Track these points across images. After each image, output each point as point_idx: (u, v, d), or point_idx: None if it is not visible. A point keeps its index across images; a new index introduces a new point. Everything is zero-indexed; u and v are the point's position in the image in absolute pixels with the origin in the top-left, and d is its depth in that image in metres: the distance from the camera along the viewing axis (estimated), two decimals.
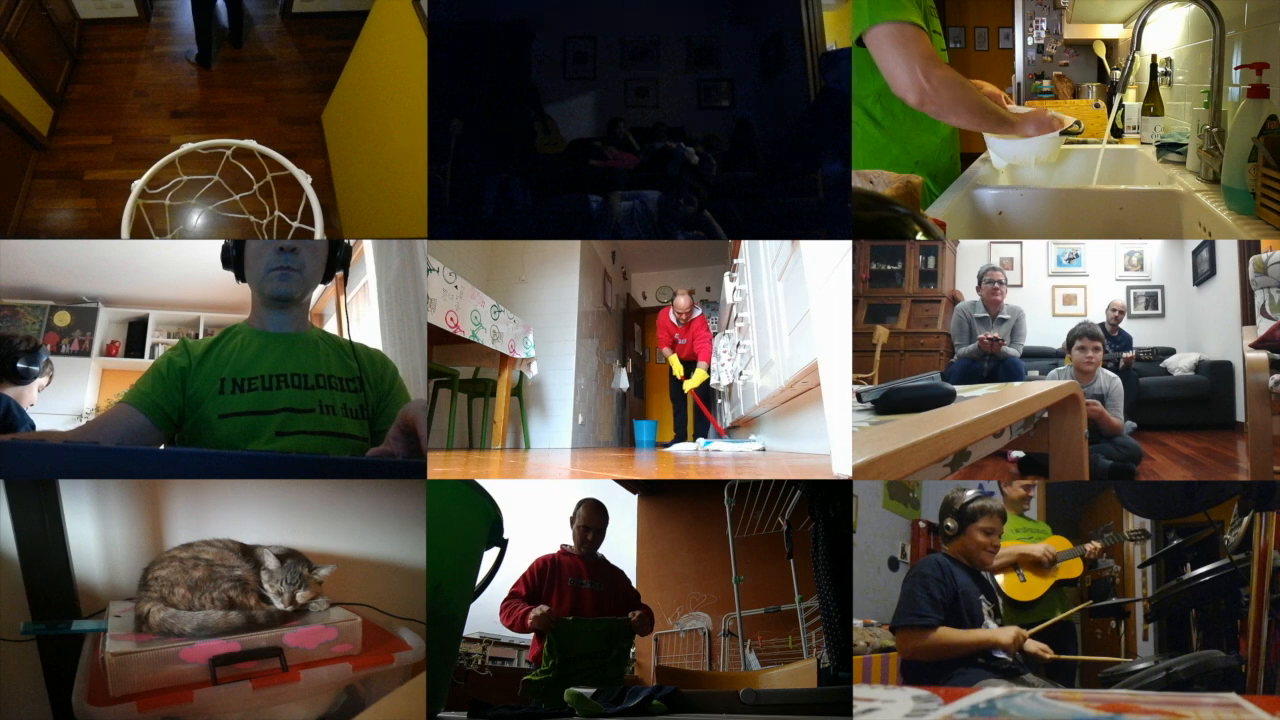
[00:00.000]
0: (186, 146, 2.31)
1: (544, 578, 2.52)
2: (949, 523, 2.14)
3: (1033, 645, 2.07)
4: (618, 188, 2.86)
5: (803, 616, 2.87)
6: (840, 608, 2.03)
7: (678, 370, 6.04)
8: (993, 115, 2.39)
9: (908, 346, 5.28)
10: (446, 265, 3.65)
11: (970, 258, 5.50)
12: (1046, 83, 4.22)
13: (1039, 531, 2.83)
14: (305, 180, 2.30)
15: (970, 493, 2.15)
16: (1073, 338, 3.09)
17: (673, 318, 6.12)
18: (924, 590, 2.01)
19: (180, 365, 1.71)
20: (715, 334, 6.05)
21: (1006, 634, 1.99)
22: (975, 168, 2.68)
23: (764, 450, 4.20)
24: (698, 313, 6.10)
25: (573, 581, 2.54)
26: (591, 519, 2.66)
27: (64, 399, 5.29)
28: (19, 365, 2.77)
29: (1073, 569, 2.72)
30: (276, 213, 2.41)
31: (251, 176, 2.42)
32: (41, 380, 2.91)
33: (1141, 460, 3.01)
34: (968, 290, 4.83)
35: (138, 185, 2.25)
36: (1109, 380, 3.06)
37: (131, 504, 1.78)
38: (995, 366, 3.61)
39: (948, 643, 1.96)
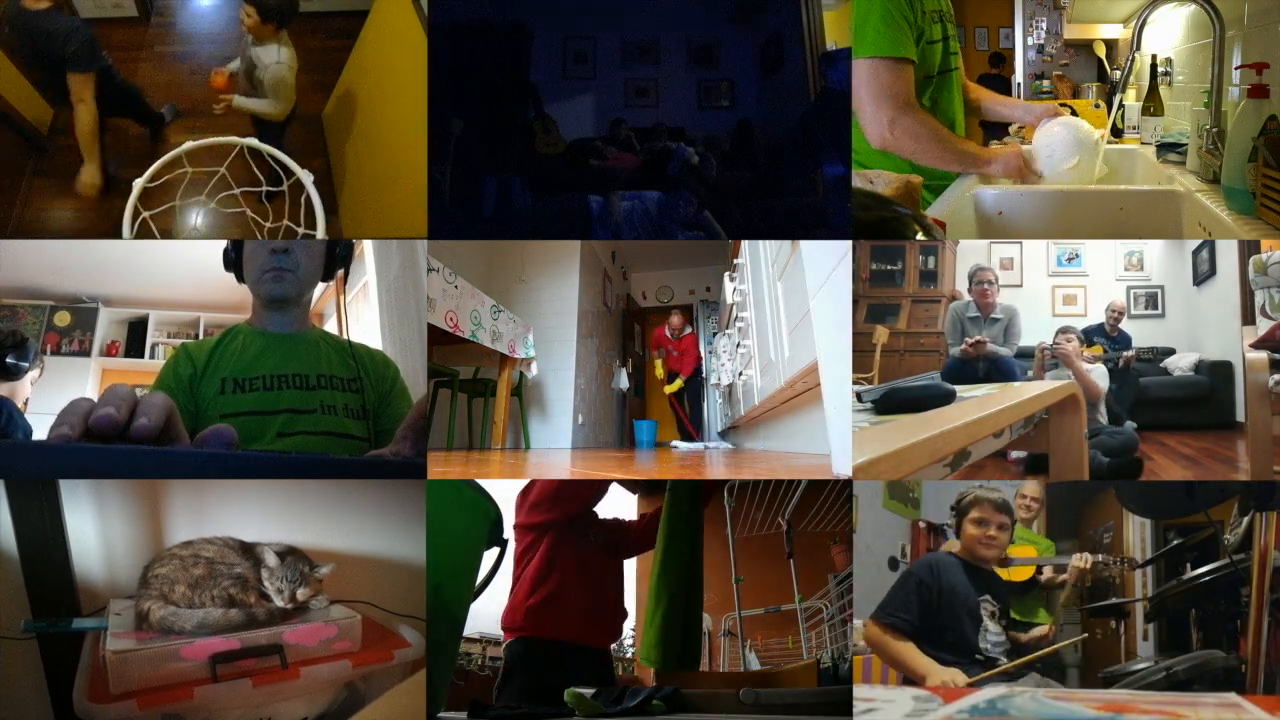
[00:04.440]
0: (187, 145, 2.31)
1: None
2: (950, 520, 2.15)
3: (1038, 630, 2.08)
4: (618, 188, 2.87)
5: (802, 616, 2.87)
6: None
7: (659, 373, 6.82)
8: (961, 158, 2.40)
9: (908, 346, 5.28)
10: (446, 265, 3.65)
11: (970, 258, 5.49)
12: (1046, 83, 4.23)
13: (1026, 537, 2.82)
14: (308, 179, 2.29)
15: (974, 485, 2.15)
16: (1055, 336, 3.31)
17: (668, 333, 6.83)
18: (912, 591, 2.03)
19: (186, 374, 1.71)
20: (716, 334, 6.28)
21: (950, 677, 1.93)
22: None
23: (718, 449, 4.87)
24: (688, 331, 6.84)
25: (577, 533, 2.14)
26: None
27: (64, 399, 5.26)
28: (8, 361, 2.76)
29: (1018, 574, 2.68)
30: (285, 221, 2.40)
31: (260, 176, 2.42)
32: (33, 374, 2.90)
33: (1137, 448, 3.04)
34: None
35: (138, 184, 2.25)
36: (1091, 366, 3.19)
37: (132, 502, 1.78)
38: (989, 367, 3.62)
39: (902, 660, 1.96)
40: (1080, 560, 2.55)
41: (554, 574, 2.02)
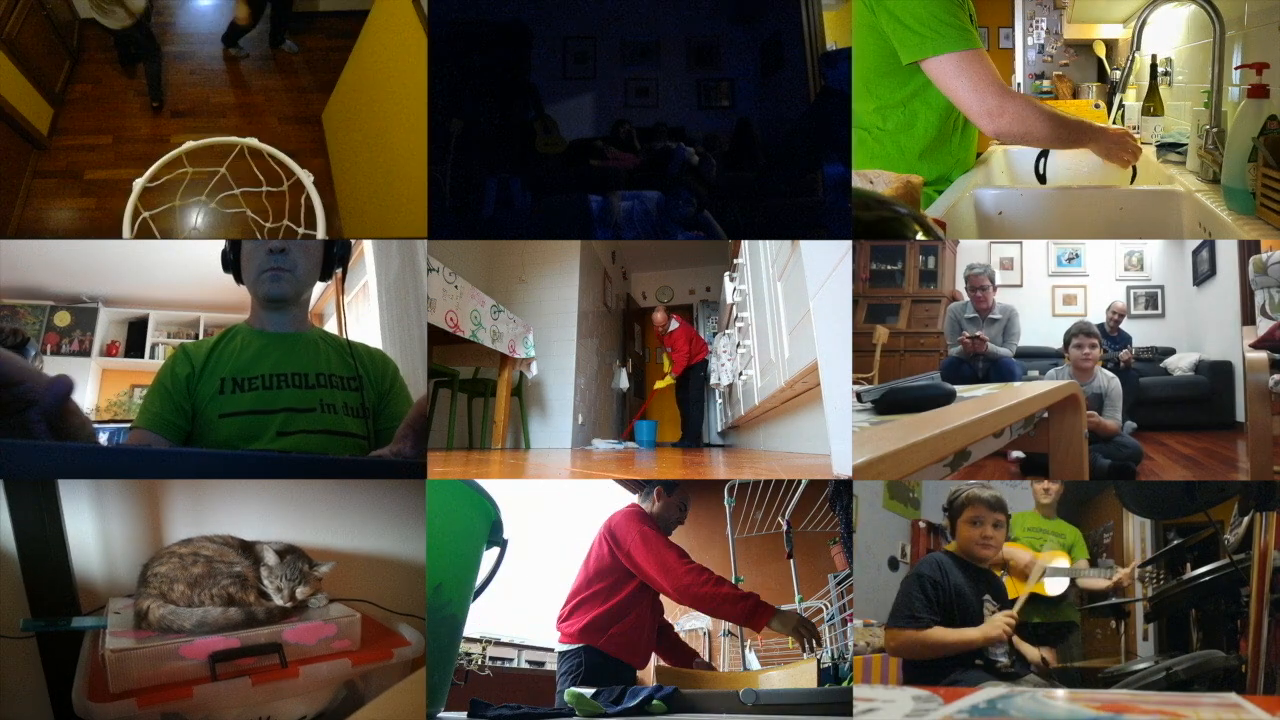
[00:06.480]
0: (188, 145, 2.31)
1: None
2: (944, 520, 2.15)
3: (1033, 653, 2.06)
4: (618, 188, 2.86)
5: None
6: None
7: (665, 367, 6.53)
8: (1070, 133, 2.40)
9: (908, 346, 5.28)
10: (446, 265, 3.65)
11: (970, 258, 5.49)
12: (1046, 83, 4.22)
13: (1053, 534, 2.79)
14: (308, 179, 2.30)
15: (967, 484, 2.15)
16: (1069, 336, 3.11)
17: (659, 330, 6.55)
18: (919, 590, 2.01)
19: (184, 374, 1.71)
20: (716, 334, 6.19)
21: (994, 627, 1.96)
22: (975, 168, 2.68)
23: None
24: (674, 326, 6.44)
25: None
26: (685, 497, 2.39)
27: None
28: None
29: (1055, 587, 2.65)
30: (285, 222, 2.41)
31: (260, 176, 2.42)
32: None
33: (1141, 460, 3.01)
34: None
35: (139, 184, 2.25)
36: (1108, 380, 3.07)
37: (131, 501, 1.78)
38: (989, 367, 3.60)
39: (940, 642, 1.96)
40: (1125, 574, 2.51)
41: (634, 611, 2.19)
